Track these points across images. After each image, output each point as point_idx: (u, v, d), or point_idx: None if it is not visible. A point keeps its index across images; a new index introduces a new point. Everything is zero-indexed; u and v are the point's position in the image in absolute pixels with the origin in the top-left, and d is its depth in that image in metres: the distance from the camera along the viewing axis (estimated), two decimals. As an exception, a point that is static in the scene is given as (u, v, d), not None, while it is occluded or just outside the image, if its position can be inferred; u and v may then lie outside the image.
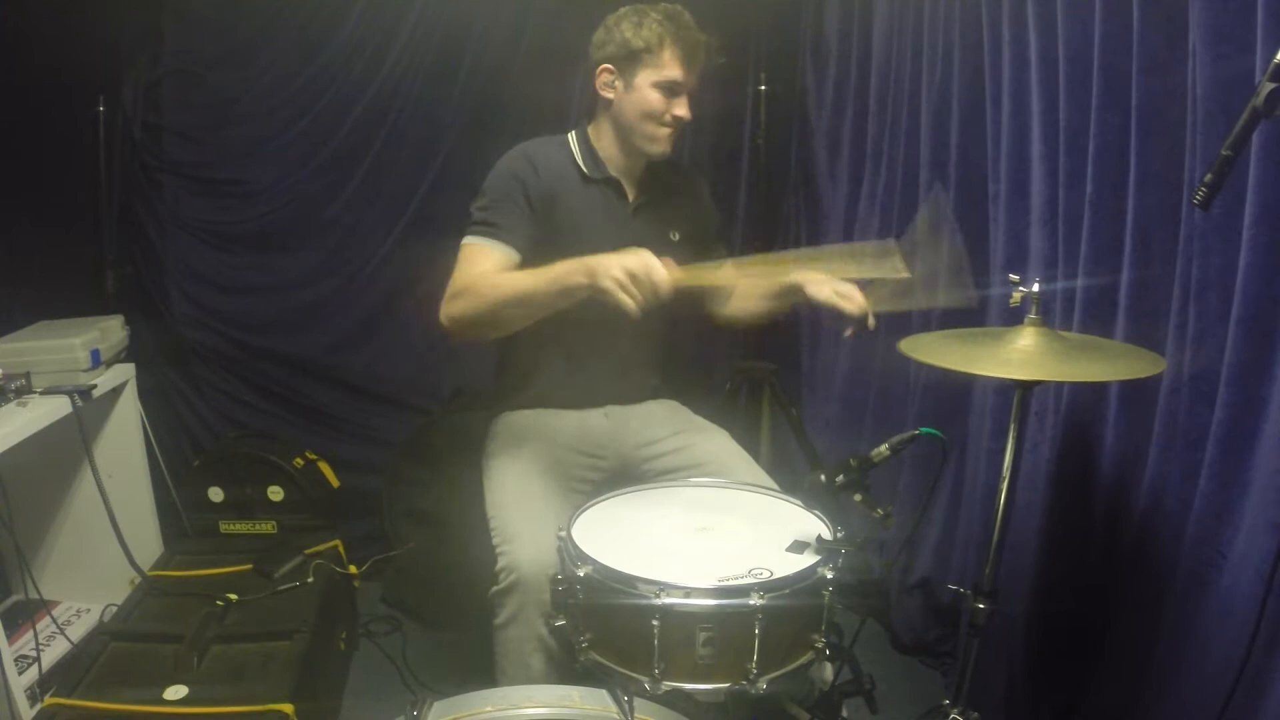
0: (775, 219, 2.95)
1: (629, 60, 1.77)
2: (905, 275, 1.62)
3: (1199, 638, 1.49)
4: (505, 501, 1.74)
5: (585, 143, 1.88)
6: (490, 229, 1.74)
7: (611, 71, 1.80)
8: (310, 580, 2.20)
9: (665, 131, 1.80)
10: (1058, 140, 1.79)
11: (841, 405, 2.72)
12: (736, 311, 2.08)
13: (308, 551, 2.32)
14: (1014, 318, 1.56)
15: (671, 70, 1.76)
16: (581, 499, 1.68)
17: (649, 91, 1.77)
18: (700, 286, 1.80)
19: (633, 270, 1.46)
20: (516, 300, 1.63)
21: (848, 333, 1.75)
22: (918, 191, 2.34)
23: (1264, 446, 1.36)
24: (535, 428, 1.92)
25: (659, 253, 1.93)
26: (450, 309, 1.69)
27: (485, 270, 1.70)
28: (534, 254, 1.77)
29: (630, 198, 1.90)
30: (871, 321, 1.70)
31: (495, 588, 1.62)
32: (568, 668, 1.57)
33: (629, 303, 1.46)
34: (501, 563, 1.62)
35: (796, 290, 1.81)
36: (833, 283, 1.75)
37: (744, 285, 2.11)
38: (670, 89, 1.77)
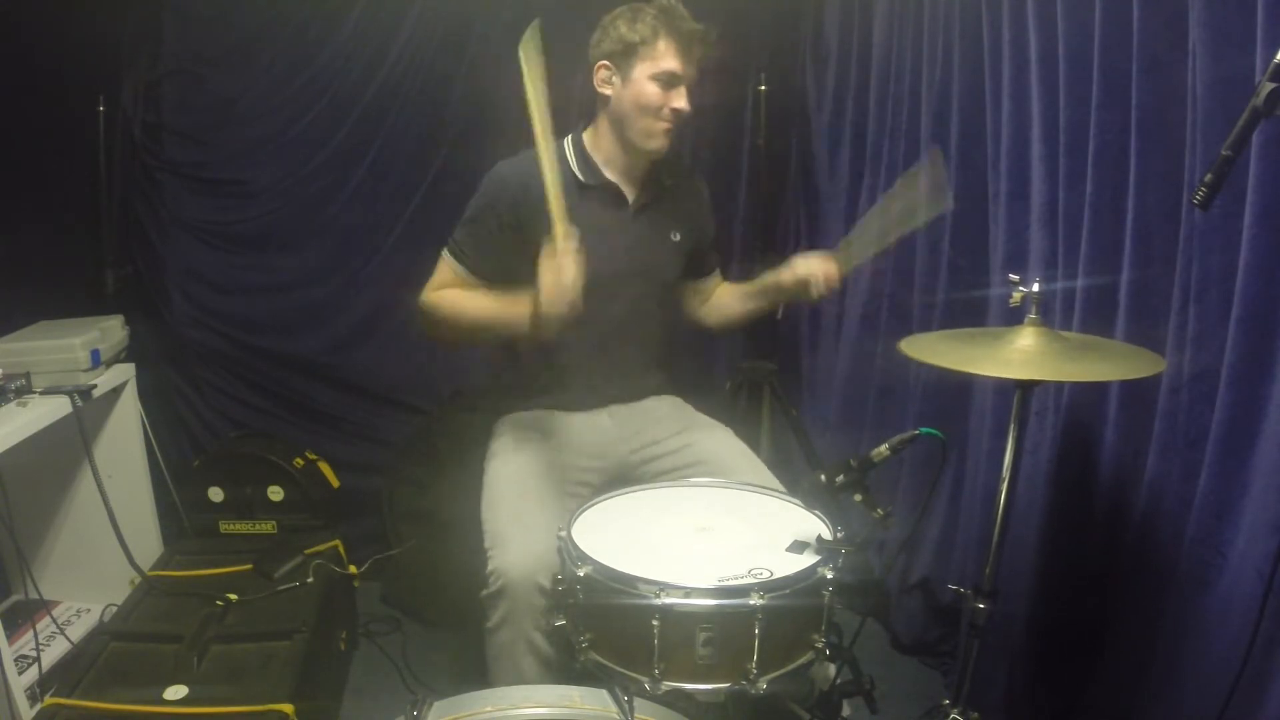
0: (775, 219, 2.95)
1: (625, 54, 1.77)
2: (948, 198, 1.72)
3: (1199, 638, 1.49)
4: (498, 506, 1.75)
5: (580, 149, 1.88)
6: (458, 250, 1.85)
7: (609, 68, 1.80)
8: (310, 580, 2.20)
9: (662, 126, 1.79)
10: (1058, 140, 1.79)
11: (841, 405, 2.72)
12: (718, 317, 2.10)
13: (308, 551, 2.32)
14: (1014, 318, 1.56)
15: (668, 61, 1.76)
16: (579, 503, 1.68)
17: (646, 84, 1.77)
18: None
19: (547, 279, 1.54)
20: (465, 321, 1.80)
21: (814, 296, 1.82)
22: (918, 191, 2.34)
23: (1264, 446, 1.36)
24: (538, 430, 1.92)
25: (660, 253, 1.95)
26: (420, 319, 1.86)
27: (445, 287, 1.84)
28: (523, 271, 1.77)
29: (630, 199, 1.89)
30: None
31: (485, 591, 1.63)
32: (560, 670, 1.57)
33: (561, 309, 1.54)
34: (490, 566, 1.63)
35: (775, 288, 1.89)
36: (797, 262, 1.83)
37: (723, 289, 2.13)
38: (667, 80, 1.77)
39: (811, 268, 1.79)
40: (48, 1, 2.44)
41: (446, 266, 1.86)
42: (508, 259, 1.81)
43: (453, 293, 1.83)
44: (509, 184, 1.81)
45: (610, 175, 1.87)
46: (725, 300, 2.10)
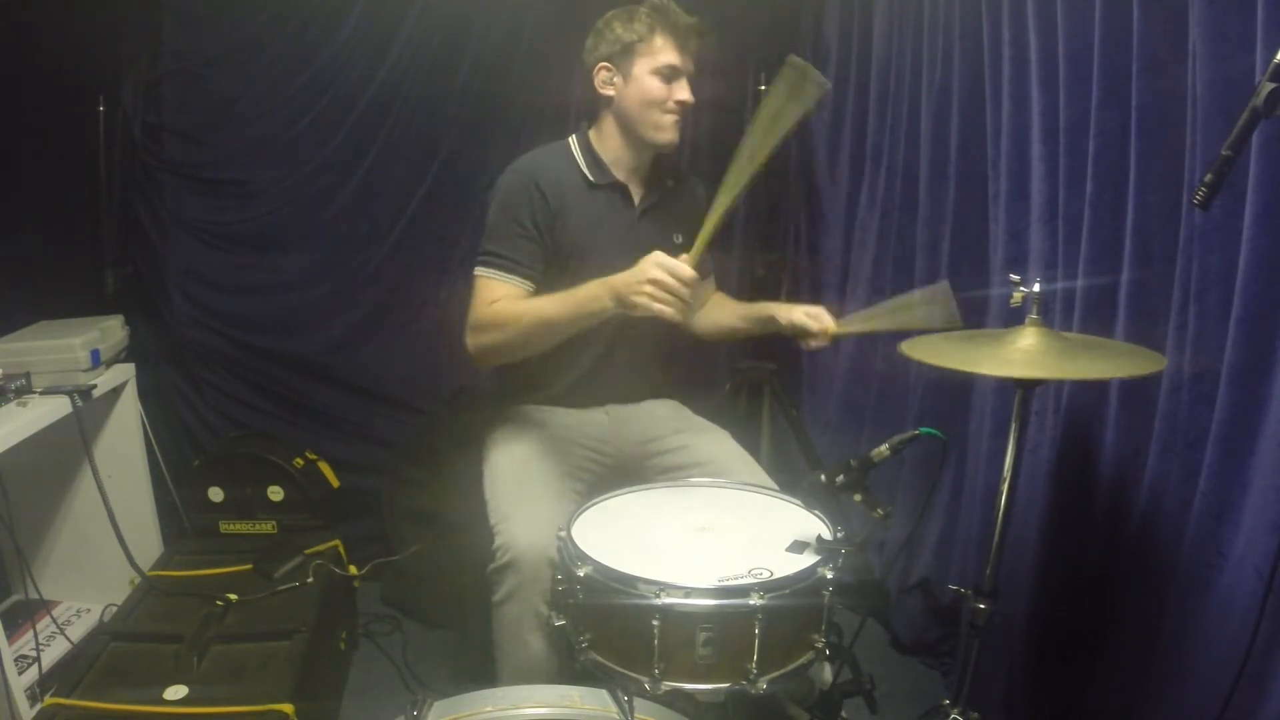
0: (775, 219, 2.95)
1: (624, 54, 1.80)
2: (959, 325, 1.64)
3: (1199, 638, 1.49)
4: (502, 482, 1.76)
5: (587, 148, 1.89)
6: (499, 261, 1.79)
7: (609, 69, 1.82)
8: (310, 580, 2.20)
9: (670, 119, 1.82)
10: (1058, 140, 1.79)
11: (841, 405, 2.72)
12: (708, 326, 2.10)
13: (308, 551, 2.32)
14: (1014, 318, 1.56)
15: (667, 55, 1.79)
16: (581, 486, 1.69)
17: (649, 80, 1.79)
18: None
19: (656, 278, 1.48)
20: (541, 326, 1.70)
21: (810, 346, 1.84)
22: (918, 191, 2.35)
23: (1264, 446, 1.36)
24: (537, 420, 1.93)
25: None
26: (477, 340, 1.77)
27: (500, 301, 1.76)
28: (546, 271, 1.81)
29: (636, 200, 1.91)
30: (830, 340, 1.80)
31: (492, 565, 1.63)
32: (567, 649, 1.57)
33: (667, 310, 1.49)
34: (498, 541, 1.63)
35: (770, 320, 1.90)
36: (801, 306, 1.85)
37: (718, 300, 2.13)
38: (669, 74, 1.80)
39: (810, 323, 1.80)
40: (48, 1, 2.44)
41: (492, 286, 1.78)
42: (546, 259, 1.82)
43: (519, 303, 1.76)
44: (525, 190, 1.81)
45: (618, 175, 1.88)
46: (718, 313, 2.10)
